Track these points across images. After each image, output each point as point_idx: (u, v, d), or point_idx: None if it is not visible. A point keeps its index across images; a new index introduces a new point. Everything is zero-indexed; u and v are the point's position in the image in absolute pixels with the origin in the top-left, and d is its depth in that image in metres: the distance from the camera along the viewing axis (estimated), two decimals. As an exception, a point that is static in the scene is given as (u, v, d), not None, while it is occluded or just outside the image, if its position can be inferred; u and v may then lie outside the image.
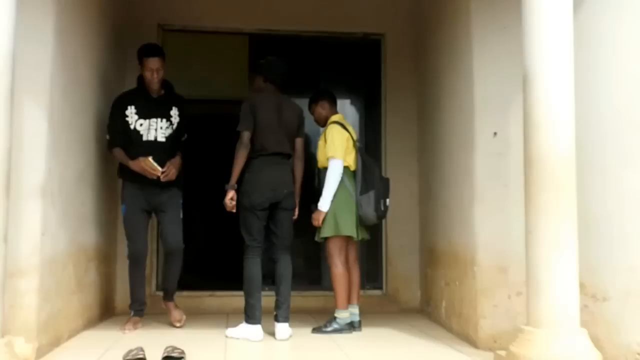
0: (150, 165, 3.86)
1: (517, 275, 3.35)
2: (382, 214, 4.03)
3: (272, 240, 3.97)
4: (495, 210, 3.61)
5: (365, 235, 4.13)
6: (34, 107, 3.16)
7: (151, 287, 4.81)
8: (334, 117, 4.19)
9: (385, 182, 4.12)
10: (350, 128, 4.15)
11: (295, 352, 3.60)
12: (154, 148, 3.97)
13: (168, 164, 3.96)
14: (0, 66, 2.68)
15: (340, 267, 3.98)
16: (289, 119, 4.00)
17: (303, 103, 4.38)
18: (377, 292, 5.12)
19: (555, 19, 2.84)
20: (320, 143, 4.11)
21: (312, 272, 4.41)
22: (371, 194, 3.96)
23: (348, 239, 4.04)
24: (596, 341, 2.80)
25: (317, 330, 3.98)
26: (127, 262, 4.12)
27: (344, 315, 3.98)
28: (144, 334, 3.85)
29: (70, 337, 3.62)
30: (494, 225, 3.60)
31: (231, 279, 4.85)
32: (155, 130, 4.00)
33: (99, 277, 4.25)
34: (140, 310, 4.08)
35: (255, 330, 3.75)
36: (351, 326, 3.99)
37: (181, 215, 4.12)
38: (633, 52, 2.87)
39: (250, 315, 3.77)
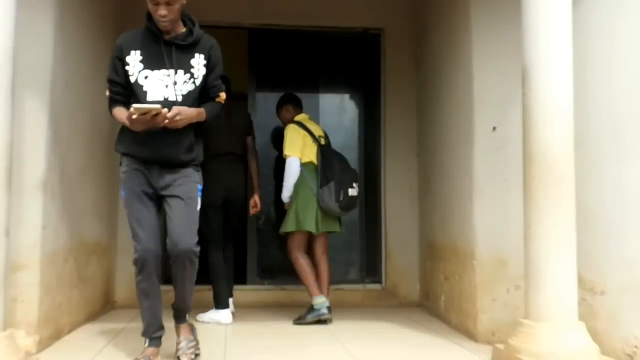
0: (141, 111, 2.67)
1: (516, 270, 3.36)
2: (345, 205, 4.08)
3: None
4: (494, 204, 3.62)
5: (335, 228, 4.22)
6: (35, 102, 3.17)
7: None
8: (296, 118, 4.32)
9: (349, 173, 4.19)
10: (311, 125, 4.26)
11: (295, 347, 3.61)
12: None
13: (176, 107, 2.78)
14: (1, 60, 2.68)
15: (301, 259, 4.13)
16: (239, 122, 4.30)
17: (303, 98, 4.40)
18: (376, 286, 5.13)
19: (554, 13, 2.84)
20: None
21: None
22: (331, 185, 4.05)
23: (310, 233, 4.15)
24: (594, 334, 2.82)
25: (298, 321, 4.07)
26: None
27: (319, 300, 4.06)
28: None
29: (71, 330, 3.64)
30: (493, 219, 3.62)
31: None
32: (167, 86, 2.86)
33: (100, 270, 4.27)
34: (157, 338, 2.96)
35: (226, 314, 4.07)
36: (330, 311, 4.05)
37: (198, 206, 2.94)
38: (633, 47, 2.88)
39: (220, 301, 4.10)
